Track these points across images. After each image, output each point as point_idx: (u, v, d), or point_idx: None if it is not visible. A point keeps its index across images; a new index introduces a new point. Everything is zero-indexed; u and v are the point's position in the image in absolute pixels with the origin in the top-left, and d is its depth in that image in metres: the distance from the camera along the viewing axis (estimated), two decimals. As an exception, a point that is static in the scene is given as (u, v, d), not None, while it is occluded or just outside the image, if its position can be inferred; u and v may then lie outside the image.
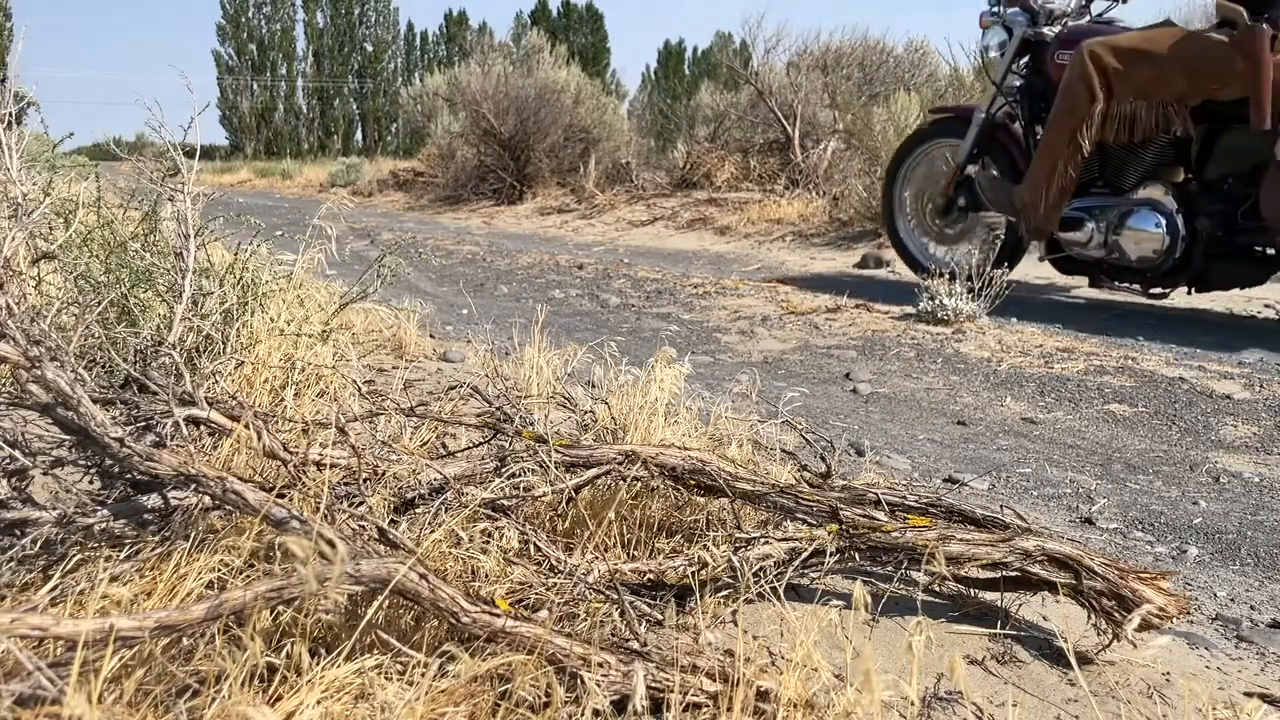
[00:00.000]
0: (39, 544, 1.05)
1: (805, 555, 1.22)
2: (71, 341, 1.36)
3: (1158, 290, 3.94)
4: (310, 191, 16.48)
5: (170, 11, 79.61)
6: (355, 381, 1.72)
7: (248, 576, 1.06)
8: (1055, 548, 1.25)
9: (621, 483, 1.32)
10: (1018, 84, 4.28)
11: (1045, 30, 4.12)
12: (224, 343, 1.79)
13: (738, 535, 1.25)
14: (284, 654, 0.92)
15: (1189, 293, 4.01)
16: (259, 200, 13.93)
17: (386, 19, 40.90)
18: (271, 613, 0.97)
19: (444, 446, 1.51)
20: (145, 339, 1.59)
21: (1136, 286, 3.95)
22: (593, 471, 1.29)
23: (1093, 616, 1.25)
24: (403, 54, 42.61)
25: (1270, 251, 3.67)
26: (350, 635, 0.98)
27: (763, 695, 0.98)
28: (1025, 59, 4.25)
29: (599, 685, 0.95)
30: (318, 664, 0.92)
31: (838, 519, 1.25)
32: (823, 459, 1.49)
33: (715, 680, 0.98)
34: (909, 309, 4.05)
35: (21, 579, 1.05)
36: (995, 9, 4.32)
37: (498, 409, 1.43)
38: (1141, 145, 3.77)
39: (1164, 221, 3.73)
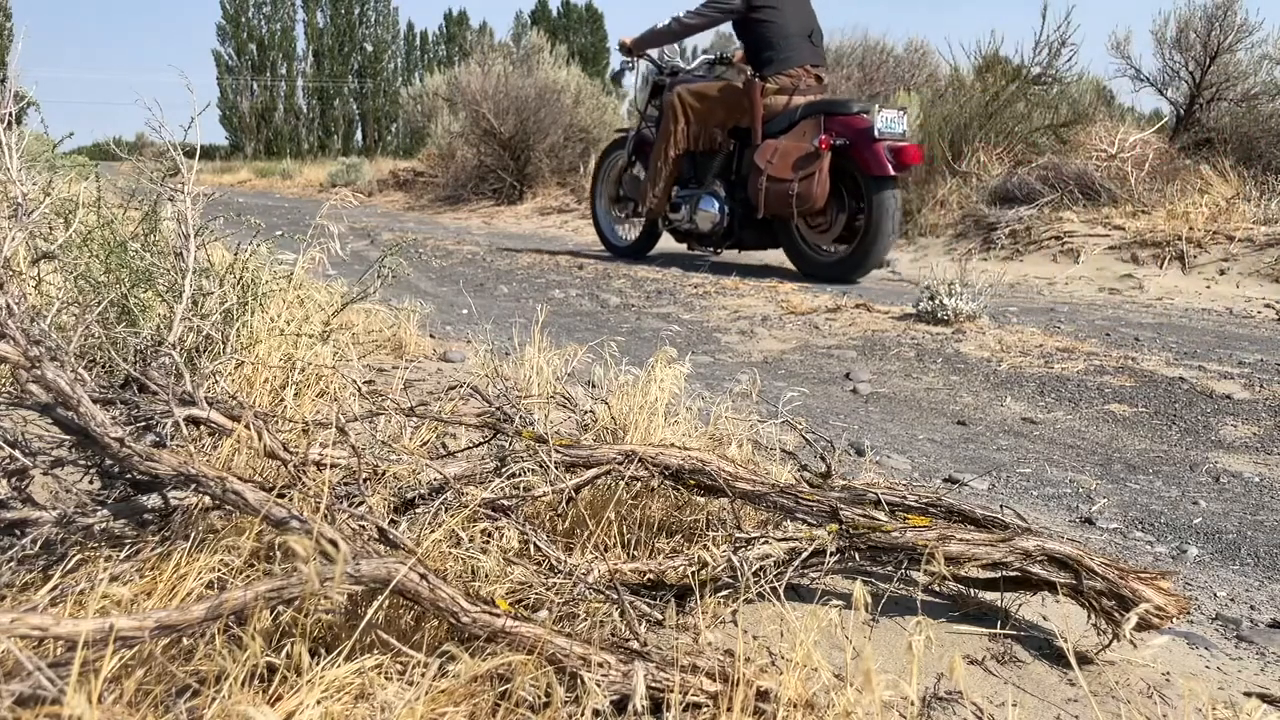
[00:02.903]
0: (39, 544, 1.05)
1: (805, 555, 1.22)
2: (71, 341, 1.36)
3: (720, 250, 5.92)
4: (310, 191, 16.48)
5: (170, 11, 79.60)
6: (355, 381, 1.72)
7: (248, 576, 1.06)
8: (1055, 548, 1.25)
9: (621, 483, 1.32)
10: (657, 114, 6.02)
11: (666, 78, 6.00)
12: (224, 343, 1.79)
13: (738, 535, 1.25)
14: (284, 654, 0.92)
15: (738, 252, 6.07)
16: (259, 200, 13.93)
17: (386, 19, 40.90)
18: (271, 613, 0.96)
19: (444, 446, 1.51)
20: (145, 339, 1.59)
21: (710, 248, 5.92)
22: (593, 471, 1.29)
23: (1093, 616, 1.25)
24: (403, 54, 42.63)
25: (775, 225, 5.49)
26: (350, 635, 0.97)
27: (763, 695, 0.97)
28: (658, 98, 6.06)
29: (599, 685, 0.95)
30: (318, 664, 0.92)
31: (838, 519, 1.25)
32: (823, 459, 1.49)
33: (715, 680, 0.98)
34: (909, 309, 4.05)
35: (21, 579, 1.05)
36: (629, 60, 6.14)
37: (498, 409, 1.43)
38: (711, 154, 5.71)
39: (717, 205, 5.61)
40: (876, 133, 4.89)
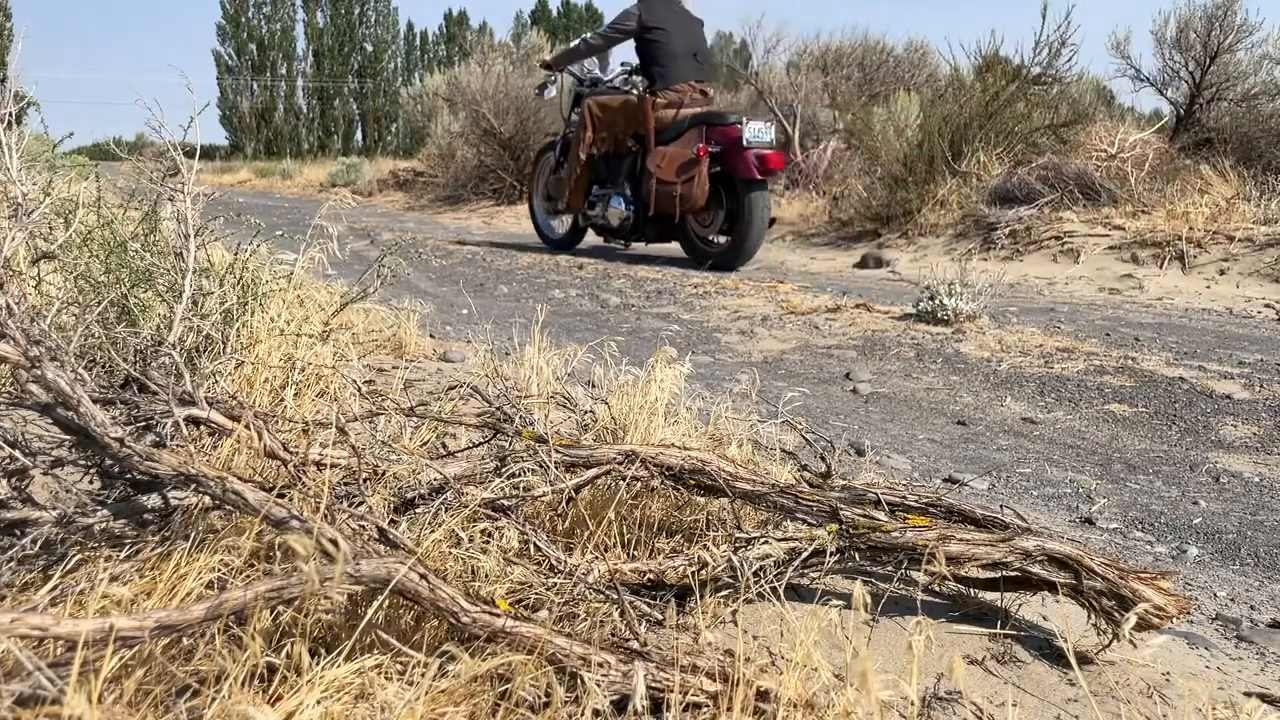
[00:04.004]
0: (39, 544, 1.05)
1: (805, 555, 1.22)
2: (71, 341, 1.36)
3: (629, 242, 6.60)
4: (310, 191, 16.47)
5: (170, 11, 79.60)
6: (355, 381, 1.72)
7: (248, 576, 1.06)
8: (1055, 548, 1.25)
9: (621, 483, 1.32)
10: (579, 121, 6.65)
11: (585, 89, 6.68)
12: (224, 343, 1.79)
13: (738, 535, 1.25)
14: (284, 654, 0.92)
15: (645, 245, 6.77)
16: (259, 200, 13.93)
17: (386, 19, 40.91)
18: (271, 613, 0.96)
19: (444, 446, 1.51)
20: (145, 339, 1.59)
21: (621, 242, 6.62)
22: (593, 471, 1.29)
23: (1093, 616, 1.25)
24: (403, 54, 42.64)
25: (675, 220, 6.13)
26: (350, 635, 0.97)
27: (763, 695, 0.97)
28: (579, 106, 6.68)
29: (599, 685, 0.95)
30: (318, 664, 0.92)
31: (838, 519, 1.25)
32: (823, 459, 1.49)
33: (715, 680, 0.98)
34: (909, 309, 4.05)
35: (21, 579, 1.05)
36: (551, 75, 6.91)
37: (498, 409, 1.43)
38: (620, 158, 6.44)
39: (624, 203, 6.31)
40: (745, 142, 5.63)
